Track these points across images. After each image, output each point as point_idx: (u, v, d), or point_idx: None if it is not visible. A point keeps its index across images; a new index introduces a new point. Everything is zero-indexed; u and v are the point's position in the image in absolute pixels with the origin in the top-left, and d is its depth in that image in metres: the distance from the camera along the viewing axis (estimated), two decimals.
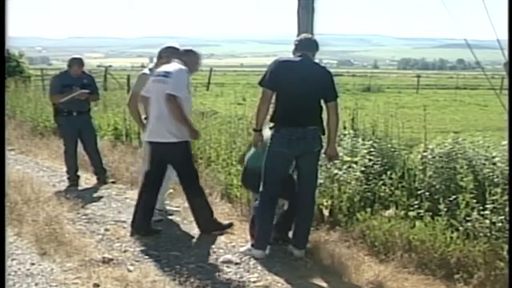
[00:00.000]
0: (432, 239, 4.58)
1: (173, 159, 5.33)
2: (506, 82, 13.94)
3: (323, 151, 4.83)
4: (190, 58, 5.32)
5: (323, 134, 4.79)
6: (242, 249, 4.91)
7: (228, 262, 4.72)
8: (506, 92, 4.49)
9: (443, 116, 19.02)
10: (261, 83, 4.71)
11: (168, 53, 5.67)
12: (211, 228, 5.38)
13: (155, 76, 5.27)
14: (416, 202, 5.01)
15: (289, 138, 4.63)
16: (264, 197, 4.78)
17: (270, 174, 4.74)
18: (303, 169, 4.81)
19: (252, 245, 4.84)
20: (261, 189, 4.78)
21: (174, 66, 5.19)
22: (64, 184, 7.41)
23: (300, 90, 4.60)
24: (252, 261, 4.74)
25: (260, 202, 4.80)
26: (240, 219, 5.86)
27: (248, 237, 5.09)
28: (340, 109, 4.91)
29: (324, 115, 4.79)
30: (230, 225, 5.47)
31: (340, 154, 5.79)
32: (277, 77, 4.60)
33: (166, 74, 5.12)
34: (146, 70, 5.82)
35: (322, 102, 4.75)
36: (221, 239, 5.26)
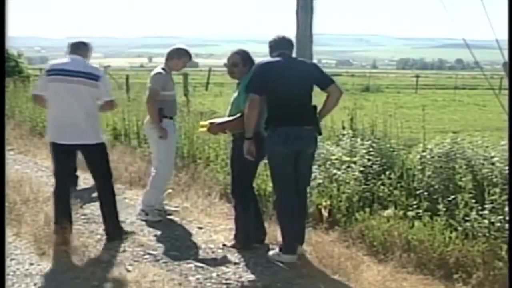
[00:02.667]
0: (431, 239, 4.58)
1: (96, 160, 5.24)
2: (505, 82, 13.93)
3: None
4: (86, 51, 5.19)
5: (320, 134, 4.80)
6: (270, 253, 4.82)
7: (227, 262, 4.72)
8: (505, 92, 4.49)
9: (442, 116, 19.02)
10: (247, 90, 4.66)
11: (179, 55, 5.79)
12: (120, 235, 5.20)
13: (65, 75, 4.95)
14: (415, 202, 5.01)
15: (287, 137, 4.59)
16: (282, 203, 4.73)
17: (280, 177, 4.72)
18: (298, 169, 4.73)
19: (281, 249, 4.73)
20: (276, 195, 4.81)
21: (91, 66, 5.08)
22: None
23: (289, 87, 4.59)
24: (251, 261, 4.73)
25: (280, 208, 4.76)
26: None
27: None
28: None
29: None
30: (133, 233, 5.37)
31: (339, 154, 5.82)
32: (262, 81, 4.58)
33: (94, 77, 4.95)
34: (159, 70, 5.80)
35: (314, 100, 4.74)
36: (220, 239, 5.25)
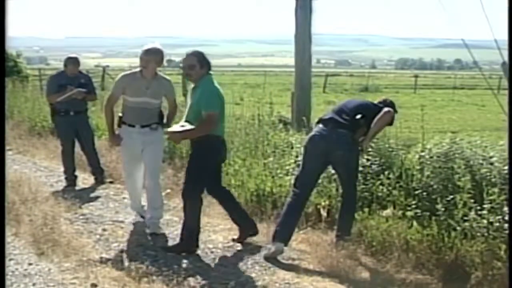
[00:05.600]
0: (430, 239, 4.58)
1: None
2: (503, 82, 13.93)
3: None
4: None
5: (354, 140, 4.96)
6: (263, 253, 4.87)
7: (226, 262, 4.72)
8: (503, 92, 4.50)
9: (440, 116, 19.04)
10: None
11: (143, 54, 5.31)
12: None
13: None
14: (413, 202, 5.01)
15: (313, 135, 4.99)
16: (293, 194, 5.00)
17: (300, 170, 5.04)
18: (337, 174, 5.18)
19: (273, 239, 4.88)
20: (293, 186, 5.08)
21: None
22: (61, 184, 7.39)
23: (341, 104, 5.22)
24: (250, 261, 4.74)
25: (289, 198, 5.01)
26: None
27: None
28: None
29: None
30: None
31: None
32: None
33: None
34: (127, 71, 5.67)
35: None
36: (219, 239, 5.26)
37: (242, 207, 5.33)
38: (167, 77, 5.65)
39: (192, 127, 4.82)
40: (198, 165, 4.91)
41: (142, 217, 5.78)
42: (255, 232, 5.17)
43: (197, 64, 4.86)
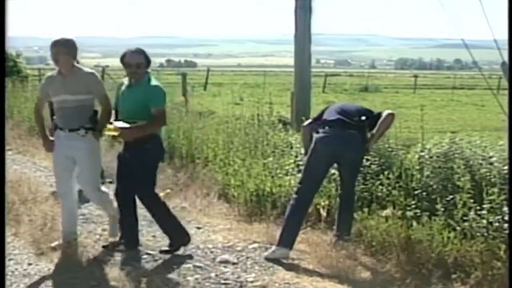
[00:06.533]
0: (429, 239, 4.58)
1: None
2: (503, 82, 13.94)
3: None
4: None
5: (364, 140, 5.00)
6: (267, 253, 4.87)
7: (226, 262, 4.72)
8: (503, 92, 4.49)
9: (440, 116, 19.05)
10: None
11: (57, 48, 4.71)
12: None
13: None
14: (413, 202, 5.01)
15: (323, 136, 4.95)
16: (295, 197, 4.96)
17: (307, 171, 4.98)
18: (341, 176, 5.17)
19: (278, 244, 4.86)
20: (297, 188, 5.03)
21: None
22: None
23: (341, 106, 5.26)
24: (250, 261, 4.74)
25: (292, 201, 4.97)
26: (238, 219, 5.86)
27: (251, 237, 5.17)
28: None
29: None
30: None
31: None
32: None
33: None
34: (50, 73, 4.99)
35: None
36: (219, 239, 5.26)
37: (173, 215, 4.97)
38: (91, 70, 4.99)
39: (142, 123, 4.60)
40: (145, 164, 4.75)
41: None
42: (186, 242, 4.93)
43: (145, 62, 4.70)
